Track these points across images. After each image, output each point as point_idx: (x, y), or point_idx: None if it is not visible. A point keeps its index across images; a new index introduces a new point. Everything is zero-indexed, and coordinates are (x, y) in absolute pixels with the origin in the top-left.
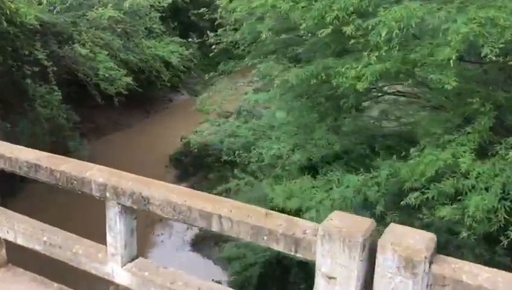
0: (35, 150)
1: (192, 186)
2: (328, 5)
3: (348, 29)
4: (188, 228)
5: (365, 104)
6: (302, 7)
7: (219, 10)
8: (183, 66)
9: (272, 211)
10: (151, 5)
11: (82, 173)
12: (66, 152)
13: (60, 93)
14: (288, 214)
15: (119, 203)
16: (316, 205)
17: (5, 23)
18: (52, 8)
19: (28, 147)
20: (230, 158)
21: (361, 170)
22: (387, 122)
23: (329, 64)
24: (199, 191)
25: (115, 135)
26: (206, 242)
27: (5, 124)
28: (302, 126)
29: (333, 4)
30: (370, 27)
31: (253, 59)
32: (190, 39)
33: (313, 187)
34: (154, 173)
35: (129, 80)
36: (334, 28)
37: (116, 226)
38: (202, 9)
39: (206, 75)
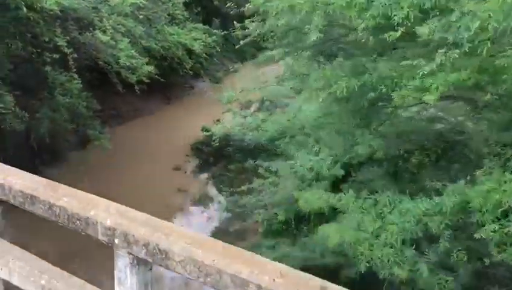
0: (34, 176)
1: (213, 177)
2: (395, 1)
3: (424, 30)
4: (209, 219)
5: (414, 108)
6: (360, 3)
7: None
8: (205, 53)
9: (328, 283)
10: None
11: (86, 210)
12: (86, 141)
13: (80, 82)
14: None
15: (131, 253)
16: (371, 238)
17: (24, 9)
18: None
19: (48, 133)
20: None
21: (420, 195)
22: (425, 122)
23: (384, 74)
24: (232, 246)
25: (136, 122)
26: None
27: (24, 114)
28: (341, 132)
29: (401, 1)
30: (454, 20)
31: (285, 55)
32: (214, 29)
33: (360, 207)
34: (175, 162)
35: (150, 68)
36: (406, 30)
37: (126, 280)
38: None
39: (231, 67)
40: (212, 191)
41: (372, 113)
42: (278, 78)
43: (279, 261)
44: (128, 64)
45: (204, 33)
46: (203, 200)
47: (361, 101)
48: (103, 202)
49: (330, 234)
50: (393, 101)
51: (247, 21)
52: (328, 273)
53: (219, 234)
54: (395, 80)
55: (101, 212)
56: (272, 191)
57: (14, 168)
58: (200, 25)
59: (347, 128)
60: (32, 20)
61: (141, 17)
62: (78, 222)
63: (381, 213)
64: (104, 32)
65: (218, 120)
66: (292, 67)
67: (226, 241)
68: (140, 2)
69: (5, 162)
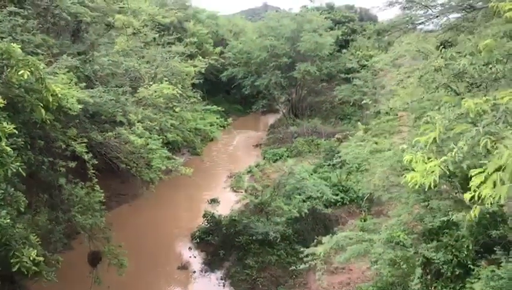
0: None
1: (229, 276)
2: None
3: None
4: None
5: None
6: None
7: None
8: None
9: None
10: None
11: None
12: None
13: (102, 193)
14: None
15: None
16: None
17: (43, 111)
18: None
19: None
20: None
21: None
22: None
23: None
24: None
25: (121, 210)
26: None
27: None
28: None
29: None
30: None
31: None
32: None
33: None
34: (177, 258)
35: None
36: None
37: None
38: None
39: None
40: None
41: None
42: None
43: None
44: (163, 167)
45: (214, 112)
46: None
47: None
48: None
49: None
50: None
51: None
52: None
53: None
54: None
55: None
56: None
57: None
58: (213, 108)
59: None
60: (49, 124)
61: (178, 109)
62: None
63: None
64: (132, 129)
65: (213, 200)
66: None
67: None
68: (177, 92)
69: None
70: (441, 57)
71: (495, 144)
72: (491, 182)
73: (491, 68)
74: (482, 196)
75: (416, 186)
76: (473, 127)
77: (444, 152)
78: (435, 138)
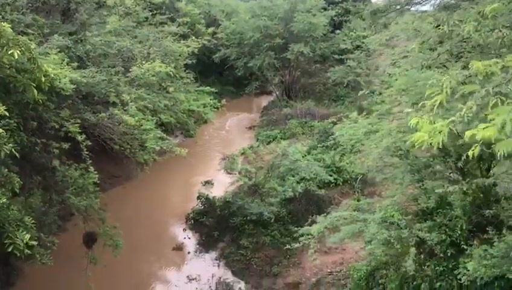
0: None
1: (223, 257)
2: None
3: None
4: None
5: None
6: None
7: None
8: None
9: None
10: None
11: None
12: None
13: (97, 175)
14: None
15: None
16: None
17: (35, 92)
18: None
19: None
20: None
21: None
22: None
23: None
24: None
25: (116, 192)
26: None
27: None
28: None
29: None
30: None
31: None
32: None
33: None
34: (172, 239)
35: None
36: None
37: None
38: None
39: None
40: (227, 275)
41: None
42: None
43: None
44: (157, 148)
45: (208, 94)
46: None
47: None
48: None
49: None
50: None
51: None
52: None
53: None
54: None
55: None
56: None
57: None
58: (207, 88)
59: None
60: (42, 104)
61: (171, 89)
62: None
63: None
64: (124, 109)
65: (207, 182)
66: None
67: None
68: (170, 71)
69: None
70: (445, 24)
71: (503, 104)
72: (499, 123)
73: (497, 33)
74: (484, 137)
75: (423, 147)
76: (482, 88)
77: (452, 115)
78: (441, 102)
